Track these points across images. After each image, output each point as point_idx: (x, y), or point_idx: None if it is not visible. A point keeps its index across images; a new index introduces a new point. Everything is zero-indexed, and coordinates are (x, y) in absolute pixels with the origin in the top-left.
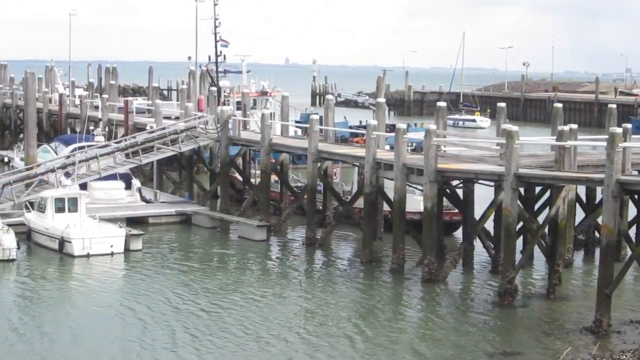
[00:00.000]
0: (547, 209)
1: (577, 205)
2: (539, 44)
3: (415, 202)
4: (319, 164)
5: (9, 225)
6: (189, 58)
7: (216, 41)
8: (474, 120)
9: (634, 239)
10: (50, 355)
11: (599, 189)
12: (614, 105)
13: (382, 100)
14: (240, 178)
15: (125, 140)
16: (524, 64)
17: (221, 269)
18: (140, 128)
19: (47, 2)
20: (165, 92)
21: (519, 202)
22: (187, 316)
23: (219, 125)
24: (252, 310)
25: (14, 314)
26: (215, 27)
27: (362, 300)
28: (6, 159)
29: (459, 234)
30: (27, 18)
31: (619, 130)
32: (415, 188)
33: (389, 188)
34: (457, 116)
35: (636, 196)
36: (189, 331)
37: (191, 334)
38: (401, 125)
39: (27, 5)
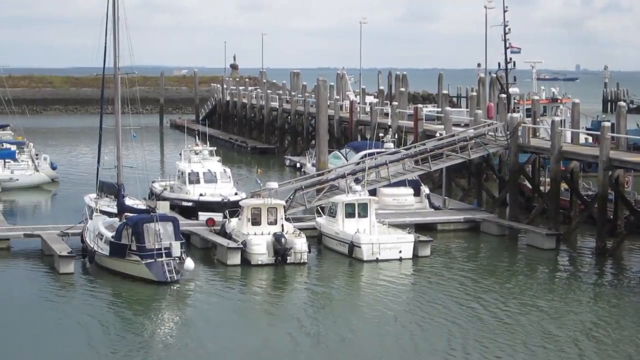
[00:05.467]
0: None
1: None
2: None
3: None
4: (610, 172)
5: (301, 229)
6: (479, 65)
7: (506, 48)
8: None
9: None
10: (342, 357)
11: None
12: None
13: None
14: (529, 186)
15: (415, 147)
16: None
17: (509, 277)
18: (429, 135)
19: (340, 11)
20: (455, 99)
21: None
22: (473, 323)
23: (508, 133)
24: (540, 319)
25: (305, 315)
26: (505, 33)
27: None
28: (298, 165)
29: None
30: (319, 28)
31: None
32: None
33: None
34: None
35: None
36: (475, 339)
37: (477, 341)
38: None
39: (318, 16)
